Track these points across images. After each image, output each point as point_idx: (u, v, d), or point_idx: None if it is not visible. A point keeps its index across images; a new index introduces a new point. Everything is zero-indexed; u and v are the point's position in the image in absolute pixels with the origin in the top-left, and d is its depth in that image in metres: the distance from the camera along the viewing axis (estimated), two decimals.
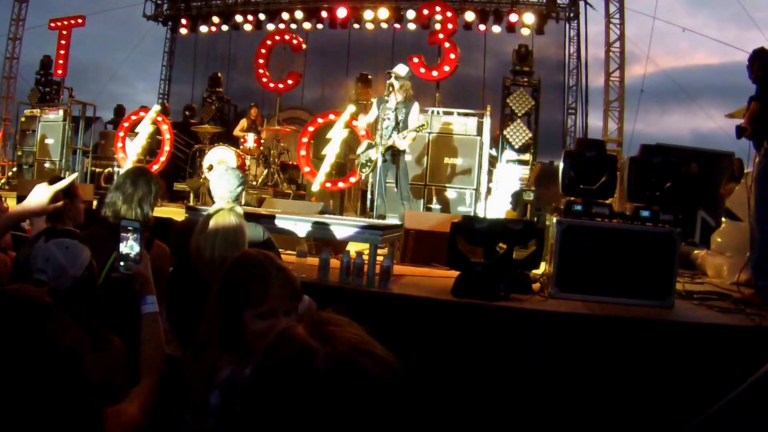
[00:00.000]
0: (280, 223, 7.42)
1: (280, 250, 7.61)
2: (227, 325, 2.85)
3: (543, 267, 7.48)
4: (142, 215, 4.86)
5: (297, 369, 1.40)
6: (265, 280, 2.86)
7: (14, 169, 20.92)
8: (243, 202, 5.49)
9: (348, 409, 1.34)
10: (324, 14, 21.28)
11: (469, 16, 19.62)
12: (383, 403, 1.38)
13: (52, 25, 20.75)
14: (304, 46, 17.31)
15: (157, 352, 3.11)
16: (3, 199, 5.83)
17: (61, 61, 20.78)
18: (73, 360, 1.62)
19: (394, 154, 10.63)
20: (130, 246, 3.22)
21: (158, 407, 2.92)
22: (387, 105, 10.62)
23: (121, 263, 3.23)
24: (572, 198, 7.39)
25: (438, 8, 15.75)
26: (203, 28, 23.76)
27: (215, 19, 23.21)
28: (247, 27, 22.74)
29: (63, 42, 20.59)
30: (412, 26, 20.18)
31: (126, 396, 2.75)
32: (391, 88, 10.56)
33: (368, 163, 10.66)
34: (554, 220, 7.17)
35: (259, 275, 2.88)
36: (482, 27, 20.06)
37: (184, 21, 24.06)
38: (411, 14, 19.68)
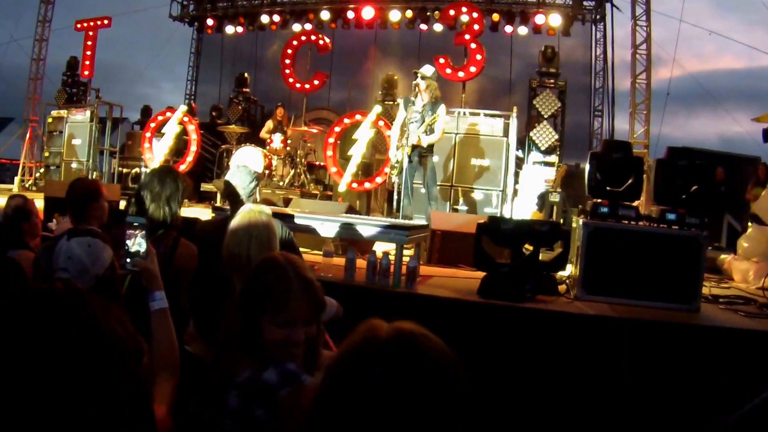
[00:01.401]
0: (306, 222, 7.46)
1: (306, 250, 7.67)
2: (245, 329, 2.84)
3: (569, 269, 7.48)
4: (170, 214, 4.86)
5: (364, 338, 1.52)
6: (286, 289, 2.84)
7: (41, 170, 21.03)
8: (258, 199, 5.52)
9: (405, 382, 1.44)
10: (350, 15, 21.32)
11: (496, 17, 19.61)
12: (438, 381, 1.48)
13: (79, 26, 20.84)
14: (330, 46, 17.31)
15: (170, 348, 3.11)
16: (34, 206, 5.85)
17: (87, 62, 20.90)
18: (128, 352, 1.60)
19: (421, 154, 10.65)
20: (138, 243, 3.22)
21: (180, 405, 2.94)
22: (414, 107, 10.65)
23: (128, 260, 3.22)
24: (598, 200, 7.35)
25: (464, 9, 15.69)
26: (229, 29, 23.73)
27: (241, 20, 23.26)
28: (273, 27, 22.81)
29: (89, 43, 20.71)
30: (438, 27, 20.13)
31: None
32: (417, 89, 10.60)
33: (396, 164, 10.69)
34: (580, 221, 7.15)
35: (280, 283, 2.86)
36: (509, 28, 19.98)
37: (210, 22, 24.09)
38: (437, 15, 19.69)
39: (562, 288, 7.09)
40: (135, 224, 3.23)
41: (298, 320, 2.79)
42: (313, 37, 17.07)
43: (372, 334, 1.54)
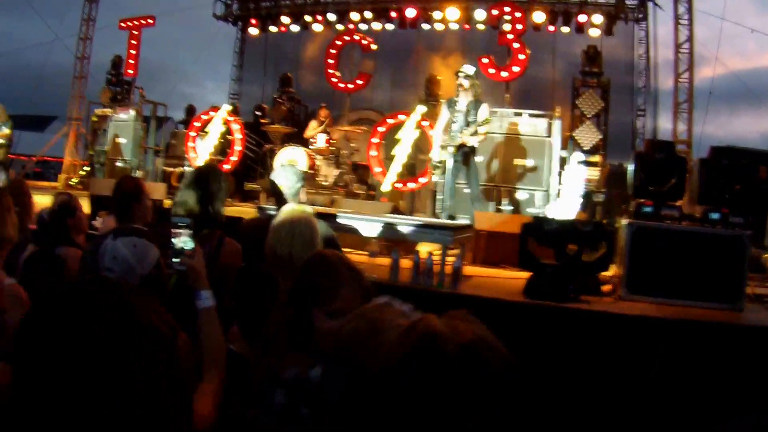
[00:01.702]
0: (350, 222, 7.54)
1: (351, 250, 7.74)
2: (297, 323, 2.90)
3: (613, 269, 7.44)
4: (215, 213, 4.95)
5: (428, 351, 1.47)
6: (336, 279, 2.90)
7: (86, 168, 21.25)
8: (304, 200, 5.56)
9: (467, 394, 1.41)
10: (393, 14, 21.35)
11: (538, 16, 19.53)
12: (500, 393, 1.46)
13: (123, 25, 21.03)
14: (374, 46, 17.34)
15: (217, 346, 3.11)
16: (79, 203, 5.96)
17: (131, 61, 20.97)
18: (166, 342, 1.63)
19: (465, 154, 10.67)
20: (183, 241, 3.25)
21: (224, 403, 2.94)
22: (457, 107, 10.68)
23: (175, 259, 3.25)
24: (642, 200, 7.38)
25: (507, 8, 15.69)
26: (273, 29, 23.89)
27: (285, 20, 23.31)
28: (317, 27, 22.86)
29: (133, 42, 20.81)
30: (481, 26, 20.10)
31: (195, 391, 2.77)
32: (460, 88, 10.63)
33: (440, 164, 10.72)
34: (624, 222, 7.15)
35: (330, 274, 2.92)
36: (551, 28, 19.95)
37: (253, 21, 24.24)
38: (480, 14, 19.65)
39: (605, 288, 7.06)
40: (180, 224, 3.27)
41: (349, 310, 2.67)
42: (356, 37, 17.12)
43: (434, 345, 1.49)
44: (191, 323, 3.09)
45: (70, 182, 20.85)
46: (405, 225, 7.62)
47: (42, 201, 6.50)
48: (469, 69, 10.86)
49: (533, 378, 5.55)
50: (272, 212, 5.72)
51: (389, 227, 7.49)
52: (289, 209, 4.43)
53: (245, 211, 12.48)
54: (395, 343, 1.53)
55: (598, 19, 19.04)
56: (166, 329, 1.63)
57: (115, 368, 1.47)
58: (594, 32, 19.02)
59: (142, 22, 20.84)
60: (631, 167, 7.71)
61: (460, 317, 1.58)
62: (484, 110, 10.58)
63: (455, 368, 1.42)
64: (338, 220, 7.59)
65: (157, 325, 1.61)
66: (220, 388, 2.92)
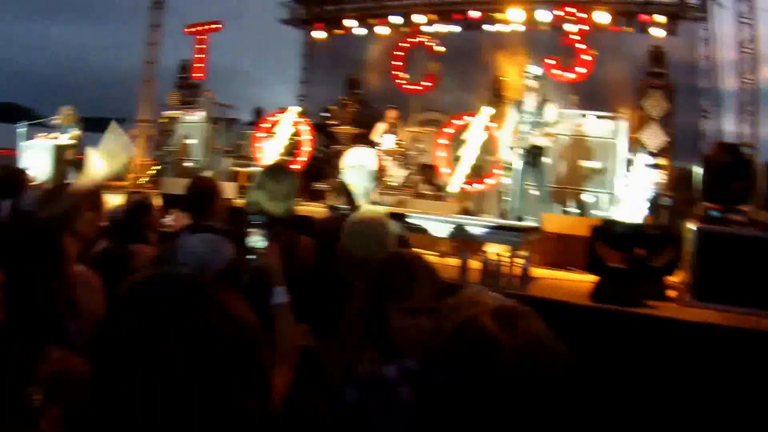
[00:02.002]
0: (420, 223, 7.68)
1: (419, 250, 7.86)
2: (371, 321, 2.89)
3: (679, 274, 7.36)
4: (288, 210, 5.06)
5: (482, 358, 1.48)
6: (411, 276, 2.89)
7: (155, 168, 21.69)
8: (377, 201, 5.68)
9: (520, 401, 1.43)
10: (457, 16, 21.39)
11: (601, 16, 19.46)
12: (554, 398, 1.47)
13: (190, 30, 21.40)
14: (439, 48, 17.43)
15: (290, 342, 3.15)
16: (153, 202, 6.14)
17: (199, 65, 21.32)
18: (255, 335, 1.63)
19: (533, 155, 10.74)
20: (257, 240, 3.31)
21: (295, 398, 2.97)
22: (524, 108, 10.75)
23: (249, 256, 3.31)
24: (709, 204, 7.29)
25: (571, 9, 15.67)
26: (339, 32, 24.06)
27: (350, 23, 23.51)
28: (382, 30, 23.02)
29: (201, 46, 21.17)
30: (546, 28, 20.00)
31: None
32: (528, 89, 10.70)
33: (509, 165, 10.78)
34: (691, 226, 7.09)
35: (405, 271, 2.92)
36: (615, 28, 19.83)
37: (318, 25, 24.51)
38: (544, 15, 19.64)
39: (672, 293, 7.01)
40: (255, 222, 3.36)
41: (424, 307, 2.81)
42: (422, 39, 17.25)
43: (488, 347, 1.51)
44: (263, 321, 3.16)
45: (138, 181, 21.27)
46: (475, 226, 7.73)
47: (112, 199, 6.69)
48: (536, 70, 10.93)
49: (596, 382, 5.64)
50: (344, 211, 5.84)
51: (459, 228, 7.60)
52: (361, 211, 4.63)
53: (314, 210, 12.66)
54: (448, 349, 1.57)
55: (660, 19, 18.80)
56: (255, 325, 1.65)
57: (211, 366, 1.47)
58: (657, 32, 18.86)
59: (209, 27, 21.17)
60: (697, 170, 7.65)
61: (520, 314, 1.61)
62: (552, 110, 10.63)
63: (512, 376, 1.45)
64: (408, 220, 7.71)
65: (249, 321, 1.63)
66: (287, 384, 2.98)
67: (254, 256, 3.31)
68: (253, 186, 5.25)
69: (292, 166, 15.06)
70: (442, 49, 18.03)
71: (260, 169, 5.38)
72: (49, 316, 2.81)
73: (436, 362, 1.60)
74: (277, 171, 5.26)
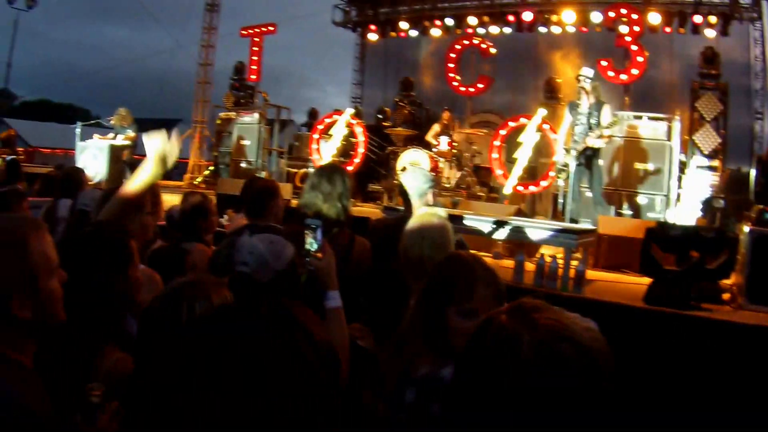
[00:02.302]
0: (476, 224, 7.70)
1: (474, 251, 7.93)
2: (430, 322, 2.86)
3: (732, 277, 7.32)
4: (343, 211, 4.94)
5: (504, 355, 1.49)
6: (471, 278, 2.86)
7: (210, 168, 22.01)
8: (432, 202, 5.62)
9: (547, 391, 1.44)
10: (510, 18, 21.45)
11: (654, 17, 19.38)
12: (581, 385, 1.47)
13: (244, 32, 21.69)
14: (493, 50, 17.50)
15: (342, 346, 3.08)
16: (212, 204, 6.16)
17: (254, 67, 21.68)
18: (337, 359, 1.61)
19: (588, 157, 10.78)
20: (311, 243, 3.26)
21: (349, 397, 2.92)
22: (579, 110, 10.77)
23: (306, 259, 3.27)
24: (764, 206, 7.23)
25: (624, 10, 15.62)
26: (392, 34, 24.29)
27: (403, 25, 23.64)
28: (436, 32, 23.12)
29: (255, 49, 21.53)
30: (599, 29, 19.92)
31: None
32: (583, 91, 10.72)
33: (564, 167, 10.81)
34: (745, 228, 7.05)
35: (465, 273, 2.89)
36: (667, 29, 19.72)
37: (372, 27, 24.67)
38: (597, 16, 19.61)
39: (726, 296, 6.97)
40: (312, 225, 3.30)
41: (483, 309, 2.72)
42: (476, 41, 17.32)
43: (511, 347, 1.51)
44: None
45: (194, 182, 21.58)
46: (531, 228, 7.74)
47: (168, 199, 6.76)
48: (589, 72, 10.90)
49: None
50: (399, 213, 5.89)
51: (516, 230, 7.63)
52: (421, 213, 4.52)
53: (369, 211, 12.75)
54: (470, 347, 1.60)
55: (713, 19, 18.69)
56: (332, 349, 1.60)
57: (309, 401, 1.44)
58: (709, 33, 18.73)
59: (264, 29, 21.42)
60: (752, 172, 7.58)
61: (534, 308, 1.60)
62: (608, 112, 10.60)
63: (531, 369, 1.46)
64: (464, 221, 7.76)
65: (331, 346, 1.60)
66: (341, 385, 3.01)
67: (309, 259, 3.28)
68: (306, 187, 5.14)
69: (347, 168, 15.24)
70: (495, 50, 18.04)
71: (313, 170, 5.36)
72: (111, 316, 2.96)
73: (463, 363, 1.64)
74: (330, 172, 5.15)
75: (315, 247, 3.25)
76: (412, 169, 5.81)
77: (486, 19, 21.54)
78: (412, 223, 4.33)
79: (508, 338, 1.52)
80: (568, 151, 10.71)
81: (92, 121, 19.11)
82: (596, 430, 1.48)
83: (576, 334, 1.54)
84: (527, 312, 1.58)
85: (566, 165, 10.70)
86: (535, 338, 1.50)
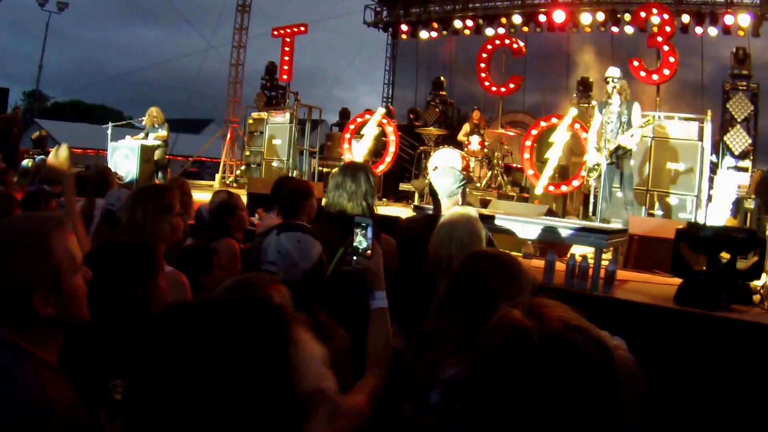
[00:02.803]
0: (507, 224, 7.70)
1: (505, 251, 7.94)
2: (465, 322, 2.84)
3: (764, 278, 7.20)
4: (368, 209, 4.92)
5: (515, 346, 1.54)
6: (514, 276, 2.94)
7: (242, 167, 22.17)
8: (462, 202, 5.59)
9: (560, 380, 1.47)
10: (542, 18, 21.51)
11: (685, 18, 19.32)
12: (593, 375, 1.50)
13: (275, 33, 21.80)
14: (524, 50, 17.53)
15: (384, 346, 3.10)
16: (241, 202, 6.25)
17: (285, 67, 21.73)
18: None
19: (620, 157, 10.79)
20: (359, 241, 3.21)
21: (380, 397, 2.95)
22: (610, 108, 10.77)
23: (354, 258, 3.22)
24: None
25: (655, 10, 15.57)
26: (423, 34, 24.45)
27: (434, 25, 23.73)
28: (467, 32, 23.20)
29: (287, 49, 21.60)
30: (629, 29, 20.01)
31: (353, 387, 2.81)
32: (614, 91, 10.72)
33: (595, 167, 10.85)
34: None
35: (506, 271, 2.96)
36: (698, 29, 19.67)
37: (404, 27, 24.79)
38: (628, 17, 19.58)
39: (756, 298, 6.82)
40: (361, 224, 3.23)
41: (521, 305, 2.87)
42: (506, 41, 17.35)
43: (522, 339, 1.55)
44: (360, 323, 3.21)
45: (226, 181, 21.76)
46: (562, 228, 7.73)
47: (200, 199, 6.82)
48: (616, 71, 10.89)
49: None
50: (429, 212, 5.93)
51: (547, 230, 7.62)
52: (451, 212, 4.56)
53: (400, 210, 12.80)
54: (483, 343, 1.63)
55: (744, 20, 18.63)
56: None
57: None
58: (741, 34, 18.61)
59: (295, 30, 21.57)
60: None
61: (545, 304, 1.65)
62: (638, 110, 10.60)
63: (543, 359, 1.50)
64: (495, 221, 7.77)
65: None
66: (379, 386, 2.94)
67: (357, 259, 3.21)
68: (331, 186, 5.11)
69: (379, 167, 15.35)
70: (526, 50, 18.06)
71: (337, 169, 5.35)
72: (136, 317, 2.94)
73: (477, 360, 1.69)
74: (355, 170, 5.09)
75: (364, 245, 3.21)
76: (443, 168, 5.81)
77: (517, 19, 21.59)
78: (442, 222, 4.40)
79: (519, 332, 1.58)
80: (599, 150, 10.72)
81: (124, 122, 19.35)
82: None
83: (587, 325, 1.59)
84: (538, 308, 1.65)
85: (598, 164, 10.71)
86: (545, 330, 1.56)
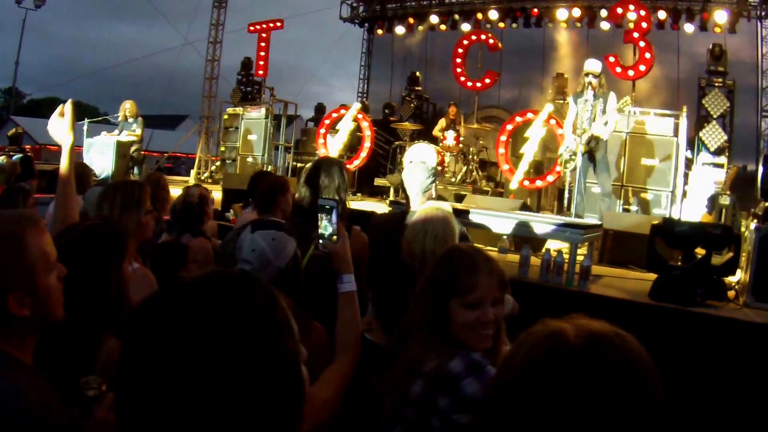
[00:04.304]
0: (482, 219, 7.71)
1: (480, 245, 7.90)
2: (434, 315, 2.85)
3: (739, 274, 7.29)
4: (339, 202, 4.99)
5: (551, 346, 1.44)
6: (473, 269, 2.86)
7: (217, 163, 22.11)
8: (435, 196, 5.57)
9: (600, 385, 1.37)
10: (518, 14, 21.51)
11: (662, 14, 19.41)
12: (633, 381, 1.41)
13: (251, 28, 21.78)
14: (499, 45, 17.53)
15: (353, 330, 3.08)
16: (207, 196, 6.16)
17: (261, 63, 21.78)
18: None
19: (593, 151, 10.78)
20: (324, 227, 3.15)
21: (358, 391, 2.98)
22: (585, 102, 10.71)
23: (320, 241, 3.17)
24: None
25: (631, 6, 15.59)
26: (399, 29, 24.41)
27: (410, 20, 23.74)
28: (443, 27, 23.20)
29: (263, 44, 21.63)
30: (605, 25, 20.14)
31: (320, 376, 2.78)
32: (589, 86, 10.65)
33: (572, 157, 10.78)
34: (752, 226, 7.02)
35: (467, 265, 2.89)
36: (675, 26, 19.80)
37: (379, 22, 24.79)
38: (604, 13, 19.66)
39: (731, 294, 6.90)
40: (326, 206, 3.17)
41: (486, 300, 2.83)
42: (483, 36, 17.34)
43: (558, 340, 1.46)
44: (329, 308, 3.17)
45: (201, 177, 21.70)
46: (537, 222, 7.72)
47: (176, 195, 6.80)
48: (595, 65, 10.83)
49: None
50: (404, 207, 5.87)
51: (522, 225, 7.61)
52: (425, 207, 4.53)
53: (375, 205, 12.78)
54: (526, 344, 1.51)
55: (721, 17, 18.76)
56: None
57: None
58: (717, 30, 18.74)
59: (271, 25, 21.56)
60: (760, 170, 7.53)
61: (578, 317, 1.53)
62: (614, 99, 10.55)
63: (583, 359, 1.40)
64: (470, 216, 7.75)
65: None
66: (349, 372, 2.94)
67: (324, 243, 3.17)
68: (303, 181, 5.11)
69: (354, 162, 15.33)
70: (502, 46, 18.06)
71: (310, 164, 5.29)
72: (108, 308, 2.93)
73: (521, 382, 1.49)
74: (328, 165, 5.13)
75: (330, 230, 3.16)
76: (414, 164, 5.77)
77: (493, 15, 21.62)
78: (416, 217, 4.36)
79: (555, 331, 1.48)
80: (573, 142, 10.66)
81: (100, 118, 19.21)
82: None
83: (623, 332, 1.51)
84: (571, 318, 1.53)
85: (574, 154, 10.66)
86: (583, 329, 1.47)
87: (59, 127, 3.90)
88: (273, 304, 1.44)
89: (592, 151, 10.73)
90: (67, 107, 3.91)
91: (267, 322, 1.39)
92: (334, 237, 3.15)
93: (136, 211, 4.28)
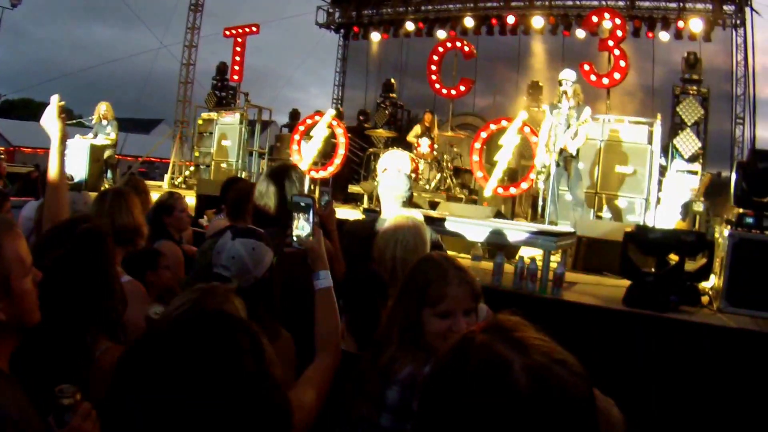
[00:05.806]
0: (455, 227, 7.67)
1: (453, 253, 7.86)
2: (407, 324, 2.90)
3: (712, 280, 7.36)
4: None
5: (495, 382, 1.31)
6: (443, 280, 2.89)
7: (191, 168, 21.99)
8: (410, 205, 5.50)
9: (548, 422, 1.27)
10: (493, 21, 21.54)
11: (638, 23, 19.53)
12: (579, 414, 1.32)
13: (227, 33, 21.78)
14: (474, 53, 17.53)
15: (332, 326, 3.04)
16: (181, 202, 6.18)
17: (236, 67, 21.81)
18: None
19: (567, 159, 10.81)
20: (301, 227, 3.14)
21: (335, 399, 2.92)
22: (560, 112, 10.73)
23: (294, 238, 3.15)
24: (744, 210, 7.19)
25: (607, 15, 15.64)
26: (375, 36, 24.47)
27: (386, 27, 23.78)
28: (418, 34, 23.21)
29: (238, 49, 21.66)
30: (580, 33, 20.14)
31: (299, 378, 2.77)
32: (565, 95, 10.66)
33: (543, 170, 10.82)
34: (725, 232, 7.05)
35: (437, 274, 2.92)
36: (650, 34, 19.94)
37: (355, 29, 24.79)
38: (579, 21, 19.73)
39: (704, 299, 6.96)
40: (301, 204, 3.15)
41: (457, 310, 2.86)
42: (458, 44, 17.33)
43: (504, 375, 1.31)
44: (306, 306, 3.12)
45: (175, 182, 21.57)
46: (510, 230, 7.71)
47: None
48: (570, 75, 10.86)
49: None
50: (377, 215, 5.82)
51: (496, 232, 7.59)
52: (396, 215, 4.55)
53: (349, 212, 12.71)
54: (447, 360, 1.43)
55: (696, 25, 18.91)
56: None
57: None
58: (692, 39, 18.89)
59: (247, 30, 21.54)
60: (733, 176, 7.56)
61: (516, 328, 1.41)
62: (587, 114, 10.61)
63: (530, 400, 1.28)
64: (444, 223, 7.72)
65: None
66: (330, 373, 2.89)
67: (298, 240, 3.16)
68: (261, 189, 4.95)
69: (328, 169, 15.28)
70: (477, 53, 18.06)
71: (268, 171, 5.16)
72: (98, 306, 2.94)
73: (437, 385, 1.43)
74: (284, 171, 4.98)
75: (307, 230, 3.14)
76: (393, 172, 5.73)
77: (469, 22, 21.65)
78: (387, 225, 4.43)
79: (498, 363, 1.33)
80: (548, 152, 10.68)
81: (74, 121, 19.05)
82: None
83: (569, 358, 1.37)
84: (510, 332, 1.41)
85: (546, 166, 10.68)
86: (530, 364, 1.32)
87: (48, 115, 3.88)
88: (257, 348, 1.53)
89: (566, 161, 10.73)
90: (54, 98, 3.86)
91: (252, 369, 1.47)
92: (311, 237, 3.14)
93: (136, 216, 4.42)
